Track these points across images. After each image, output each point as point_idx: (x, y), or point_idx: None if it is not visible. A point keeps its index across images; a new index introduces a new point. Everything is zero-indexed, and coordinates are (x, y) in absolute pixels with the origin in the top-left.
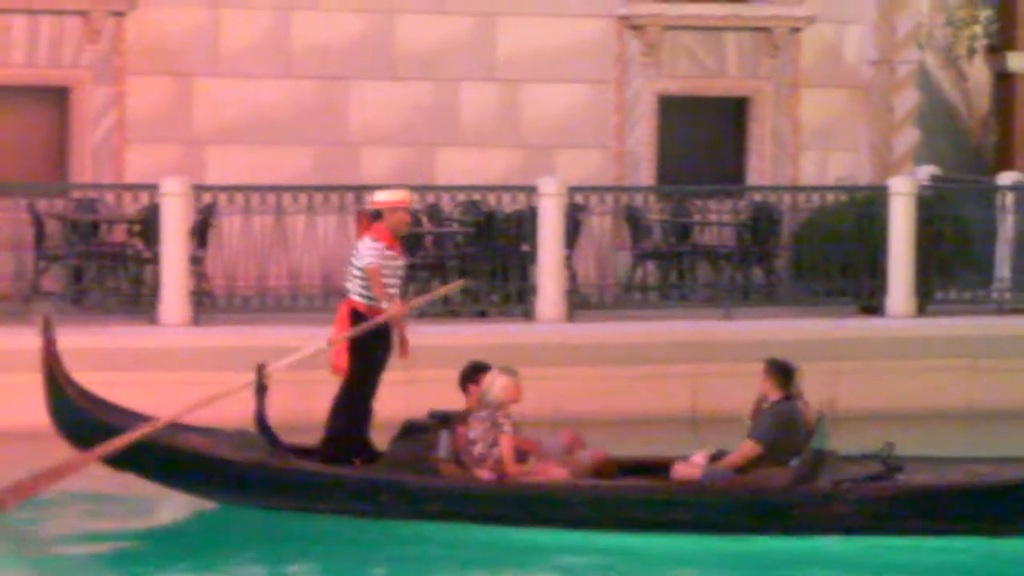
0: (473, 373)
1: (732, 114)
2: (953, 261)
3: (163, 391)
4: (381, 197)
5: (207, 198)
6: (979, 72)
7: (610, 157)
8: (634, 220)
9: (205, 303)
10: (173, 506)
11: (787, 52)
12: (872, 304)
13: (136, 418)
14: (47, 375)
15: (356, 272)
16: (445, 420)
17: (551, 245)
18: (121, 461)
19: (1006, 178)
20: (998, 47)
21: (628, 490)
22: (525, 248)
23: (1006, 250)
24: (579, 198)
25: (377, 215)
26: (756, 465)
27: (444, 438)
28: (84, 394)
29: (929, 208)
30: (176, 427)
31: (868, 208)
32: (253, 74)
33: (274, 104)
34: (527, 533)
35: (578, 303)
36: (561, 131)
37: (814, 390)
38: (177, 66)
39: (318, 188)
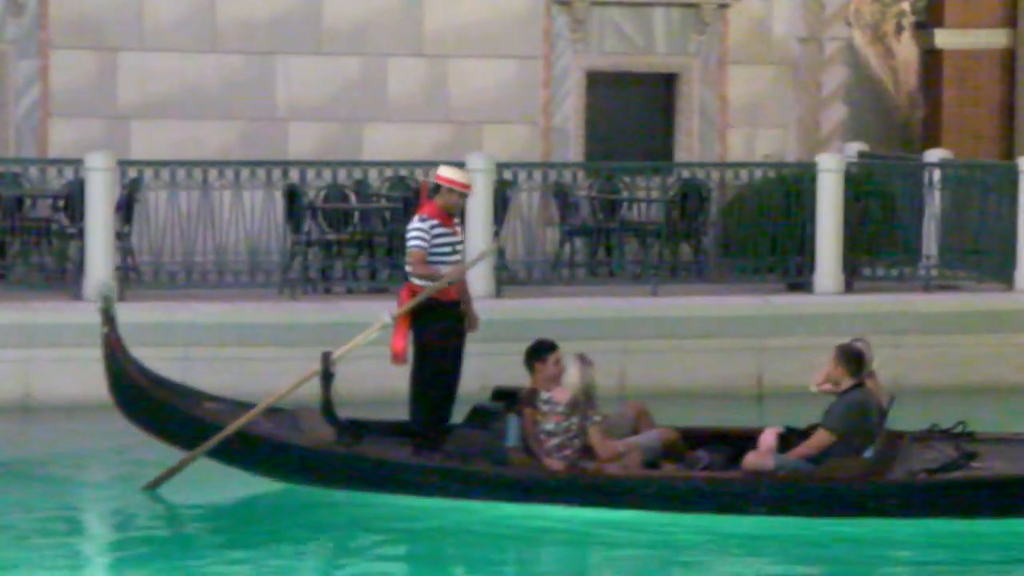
0: (538, 351)
1: (660, 90)
2: (880, 238)
3: (87, 368)
4: (444, 173)
5: (132, 173)
6: (907, 49)
7: (538, 133)
8: (562, 196)
9: (131, 279)
10: (237, 485)
11: (715, 28)
12: (799, 281)
13: (196, 395)
14: (107, 353)
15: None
16: (511, 397)
17: (479, 221)
18: (188, 443)
19: (933, 155)
20: (925, 24)
21: (700, 482)
22: None
23: (933, 227)
24: (507, 174)
25: (436, 190)
26: (829, 454)
27: (513, 425)
28: (144, 372)
29: (857, 185)
30: (239, 409)
31: (796, 185)
32: (179, 48)
33: (200, 79)
34: (597, 513)
35: (506, 279)
36: (489, 107)
37: (741, 367)
38: (102, 40)
39: (245, 163)
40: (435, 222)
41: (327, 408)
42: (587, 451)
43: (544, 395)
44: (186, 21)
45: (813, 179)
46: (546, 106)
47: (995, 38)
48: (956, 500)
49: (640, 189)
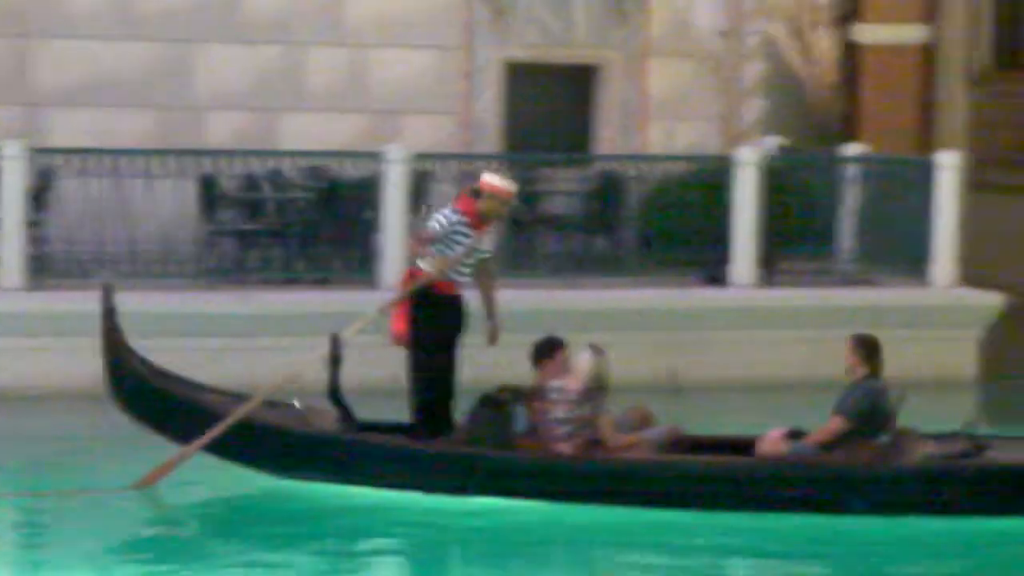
0: (547, 348)
1: (581, 82)
2: (798, 232)
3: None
4: (489, 179)
5: (45, 161)
6: (826, 43)
7: (457, 124)
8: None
9: (42, 268)
10: (238, 481)
11: (636, 21)
12: (716, 274)
13: (196, 388)
14: (106, 345)
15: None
16: (516, 394)
17: (396, 212)
18: (192, 434)
19: (851, 149)
20: (845, 18)
21: (715, 466)
22: (368, 215)
23: (850, 221)
24: (425, 165)
25: (477, 194)
26: (843, 442)
27: (520, 413)
28: (145, 363)
29: (775, 178)
30: (240, 401)
31: (714, 178)
32: (97, 35)
33: (118, 66)
34: (608, 511)
35: None
36: (408, 97)
37: (658, 360)
38: (18, 27)
39: (157, 152)
40: (464, 219)
41: (334, 391)
42: (596, 442)
43: (555, 383)
44: (104, 8)
45: (731, 172)
46: (465, 97)
47: (915, 33)
48: (972, 491)
49: (559, 181)
